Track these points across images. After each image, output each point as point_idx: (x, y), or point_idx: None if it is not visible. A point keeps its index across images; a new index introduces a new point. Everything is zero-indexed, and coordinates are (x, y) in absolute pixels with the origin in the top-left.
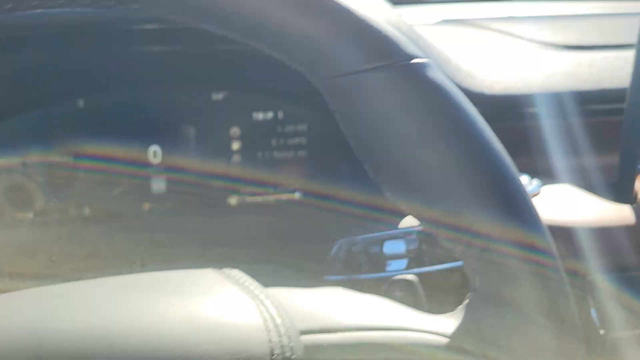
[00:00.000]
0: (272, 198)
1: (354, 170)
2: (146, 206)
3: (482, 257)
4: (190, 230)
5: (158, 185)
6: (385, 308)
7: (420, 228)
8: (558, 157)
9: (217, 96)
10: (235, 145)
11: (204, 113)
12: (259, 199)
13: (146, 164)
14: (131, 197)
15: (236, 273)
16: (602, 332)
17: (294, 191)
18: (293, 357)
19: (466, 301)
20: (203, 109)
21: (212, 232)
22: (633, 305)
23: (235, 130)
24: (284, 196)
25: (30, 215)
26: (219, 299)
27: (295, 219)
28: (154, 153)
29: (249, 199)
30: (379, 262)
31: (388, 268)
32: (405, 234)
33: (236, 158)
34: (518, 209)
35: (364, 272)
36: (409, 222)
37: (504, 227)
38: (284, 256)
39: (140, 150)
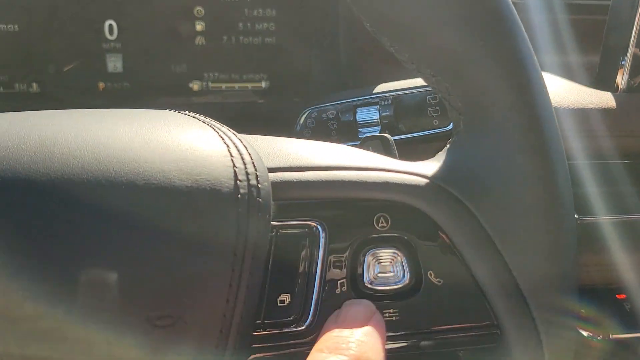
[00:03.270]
0: (236, 86)
1: (323, 60)
2: (101, 85)
3: (467, 96)
4: None
5: (113, 63)
6: (360, 153)
7: (395, 94)
8: (545, 52)
9: None
10: (199, 26)
11: None
12: (222, 85)
13: (101, 39)
14: (84, 75)
15: (205, 118)
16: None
17: (260, 80)
18: (259, 185)
19: (447, 146)
20: None
21: None
22: (608, 191)
23: (199, 10)
24: (250, 84)
25: None
26: (179, 126)
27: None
28: (109, 28)
29: (212, 85)
30: (351, 129)
31: (360, 136)
32: (380, 100)
33: (199, 40)
34: (510, 40)
35: (334, 141)
36: (383, 87)
37: (494, 57)
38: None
39: (94, 24)
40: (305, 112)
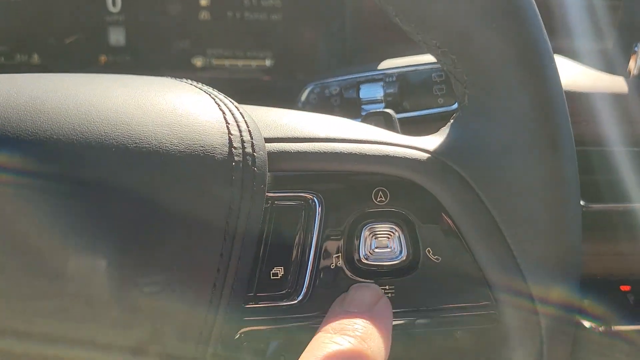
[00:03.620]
0: (240, 63)
1: (329, 38)
2: (102, 58)
3: (473, 68)
4: None
5: (116, 36)
6: (360, 125)
7: (400, 71)
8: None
9: None
10: (204, 1)
11: None
12: (226, 62)
13: (103, 12)
14: (86, 47)
15: (202, 85)
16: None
17: (264, 57)
18: (255, 153)
19: (451, 121)
20: None
21: None
22: (616, 179)
23: None
24: (254, 62)
25: None
26: (175, 91)
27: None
28: (113, 0)
29: (215, 61)
30: (354, 106)
31: (363, 113)
32: (384, 77)
33: (204, 15)
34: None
35: None
36: (388, 63)
37: (503, 31)
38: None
39: None
40: (307, 88)
